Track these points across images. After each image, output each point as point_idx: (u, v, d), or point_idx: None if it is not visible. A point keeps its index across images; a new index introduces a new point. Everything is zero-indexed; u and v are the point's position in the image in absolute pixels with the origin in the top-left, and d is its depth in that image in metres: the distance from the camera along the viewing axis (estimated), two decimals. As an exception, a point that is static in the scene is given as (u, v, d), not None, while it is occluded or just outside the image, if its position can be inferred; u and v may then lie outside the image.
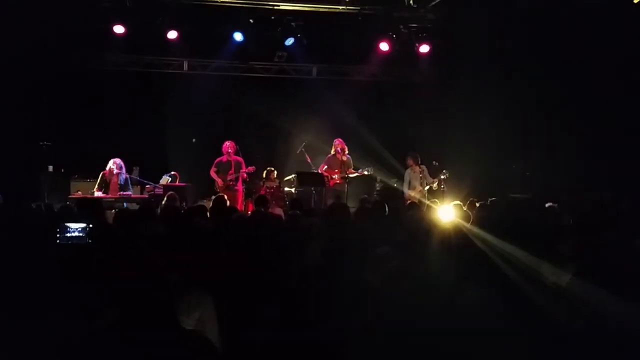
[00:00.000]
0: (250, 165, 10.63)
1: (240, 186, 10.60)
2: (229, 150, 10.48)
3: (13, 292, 2.84)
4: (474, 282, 3.00)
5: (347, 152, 10.79)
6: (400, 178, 10.94)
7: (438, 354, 2.51)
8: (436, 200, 9.55)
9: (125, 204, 9.33)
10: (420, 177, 10.49)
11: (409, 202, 9.12)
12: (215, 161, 10.60)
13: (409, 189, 10.59)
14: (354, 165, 10.86)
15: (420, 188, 10.45)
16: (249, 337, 3.10)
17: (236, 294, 3.61)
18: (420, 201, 9.87)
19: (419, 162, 10.57)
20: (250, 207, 9.71)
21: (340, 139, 10.83)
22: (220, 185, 10.46)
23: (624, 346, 2.86)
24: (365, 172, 10.73)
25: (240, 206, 10.08)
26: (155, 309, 2.24)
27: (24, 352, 2.38)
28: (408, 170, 10.69)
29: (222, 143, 10.59)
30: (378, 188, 11.30)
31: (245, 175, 10.56)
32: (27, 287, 2.87)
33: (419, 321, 2.59)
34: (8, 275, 3.18)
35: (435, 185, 10.41)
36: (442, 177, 10.35)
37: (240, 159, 10.57)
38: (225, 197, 7.63)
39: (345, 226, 4.65)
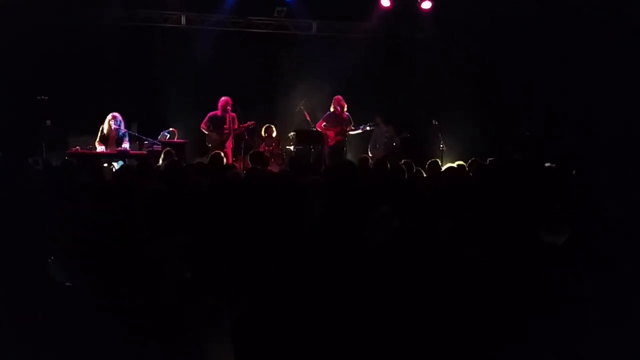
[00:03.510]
0: (249, 121, 10.54)
1: (230, 143, 10.49)
2: (227, 107, 10.34)
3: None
4: (473, 241, 3.02)
5: (346, 109, 10.78)
6: (398, 135, 11.06)
7: (436, 316, 2.54)
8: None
9: (121, 160, 9.34)
10: (386, 136, 11.05)
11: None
12: (209, 115, 10.40)
13: (375, 147, 11.13)
14: (353, 123, 10.90)
15: (384, 147, 11.01)
16: (245, 295, 3.14)
17: (235, 251, 3.64)
18: (382, 159, 9.97)
19: (385, 122, 11.11)
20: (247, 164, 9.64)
21: (340, 96, 10.79)
22: (214, 139, 10.33)
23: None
24: (368, 128, 11.02)
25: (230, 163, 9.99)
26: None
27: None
28: (375, 130, 11.16)
29: (220, 99, 10.46)
30: (377, 146, 11.28)
31: (243, 129, 10.45)
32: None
33: (418, 283, 2.61)
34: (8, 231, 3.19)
35: (397, 143, 10.97)
36: (403, 136, 10.94)
37: (234, 114, 10.44)
38: (222, 154, 7.61)
39: (347, 184, 4.65)
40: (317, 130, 10.83)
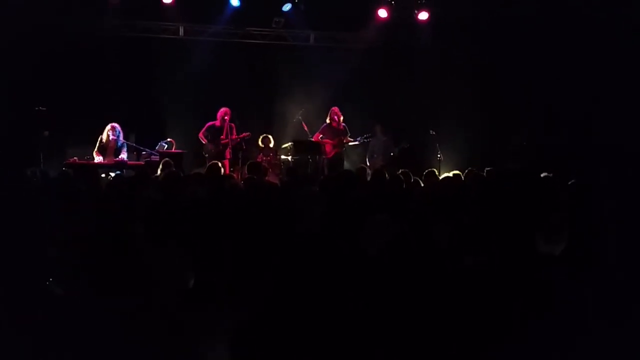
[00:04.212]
0: (245, 132, 10.57)
1: (228, 154, 10.51)
2: (225, 117, 10.39)
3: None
4: (470, 249, 3.02)
5: (342, 120, 10.82)
6: (397, 145, 11.06)
7: (434, 323, 2.54)
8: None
9: (119, 171, 9.34)
10: (384, 146, 11.03)
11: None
12: (207, 125, 10.47)
13: (373, 157, 11.04)
14: (350, 134, 10.93)
15: (382, 157, 10.96)
16: (244, 303, 3.13)
17: (234, 259, 3.64)
18: (380, 169, 9.99)
19: (384, 131, 11.07)
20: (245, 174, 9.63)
21: (336, 108, 10.82)
22: (211, 149, 10.36)
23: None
24: (365, 140, 11.00)
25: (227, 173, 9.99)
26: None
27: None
28: (372, 141, 11.12)
29: (218, 109, 10.51)
30: (375, 156, 11.29)
31: (239, 139, 10.47)
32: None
33: (414, 289, 2.61)
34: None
35: (395, 153, 10.90)
36: (402, 146, 10.90)
37: (232, 124, 10.48)
38: (220, 164, 7.63)
39: (344, 194, 4.66)
40: (314, 140, 10.84)
